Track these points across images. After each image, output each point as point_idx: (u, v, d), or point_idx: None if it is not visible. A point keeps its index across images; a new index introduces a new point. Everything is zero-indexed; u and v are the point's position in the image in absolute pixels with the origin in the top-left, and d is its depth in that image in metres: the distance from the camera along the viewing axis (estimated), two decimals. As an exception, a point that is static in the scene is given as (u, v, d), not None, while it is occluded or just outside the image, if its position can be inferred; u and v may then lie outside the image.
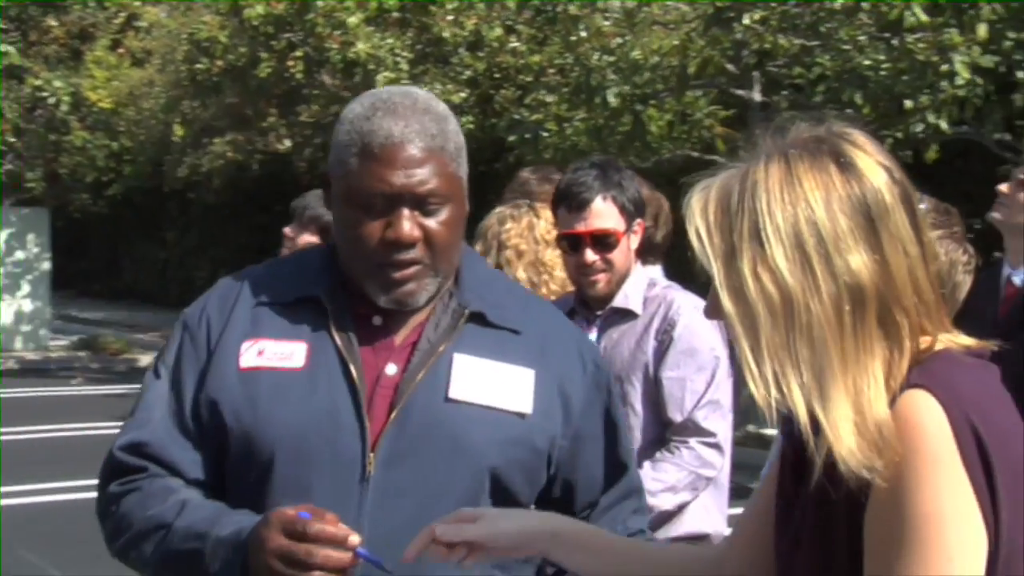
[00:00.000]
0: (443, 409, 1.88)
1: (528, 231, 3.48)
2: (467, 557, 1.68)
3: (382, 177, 1.83)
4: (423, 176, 1.85)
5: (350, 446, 1.84)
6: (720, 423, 3.07)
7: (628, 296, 3.17)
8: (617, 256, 3.12)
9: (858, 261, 1.37)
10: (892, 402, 1.38)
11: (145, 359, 16.86)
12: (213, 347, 1.92)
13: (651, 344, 3.11)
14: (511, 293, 2.07)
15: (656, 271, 3.55)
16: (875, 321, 1.38)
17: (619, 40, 10.34)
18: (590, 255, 3.12)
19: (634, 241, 3.17)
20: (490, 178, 15.60)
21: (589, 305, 3.21)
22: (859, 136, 1.47)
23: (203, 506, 1.85)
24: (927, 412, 1.35)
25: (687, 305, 3.13)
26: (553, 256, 3.55)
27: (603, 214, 3.11)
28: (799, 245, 1.38)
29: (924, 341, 1.43)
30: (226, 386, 1.88)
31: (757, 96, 11.23)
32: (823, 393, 1.37)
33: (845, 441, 1.35)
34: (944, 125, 8.40)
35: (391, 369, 1.89)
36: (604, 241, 3.11)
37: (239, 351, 1.90)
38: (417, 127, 1.86)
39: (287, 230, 4.22)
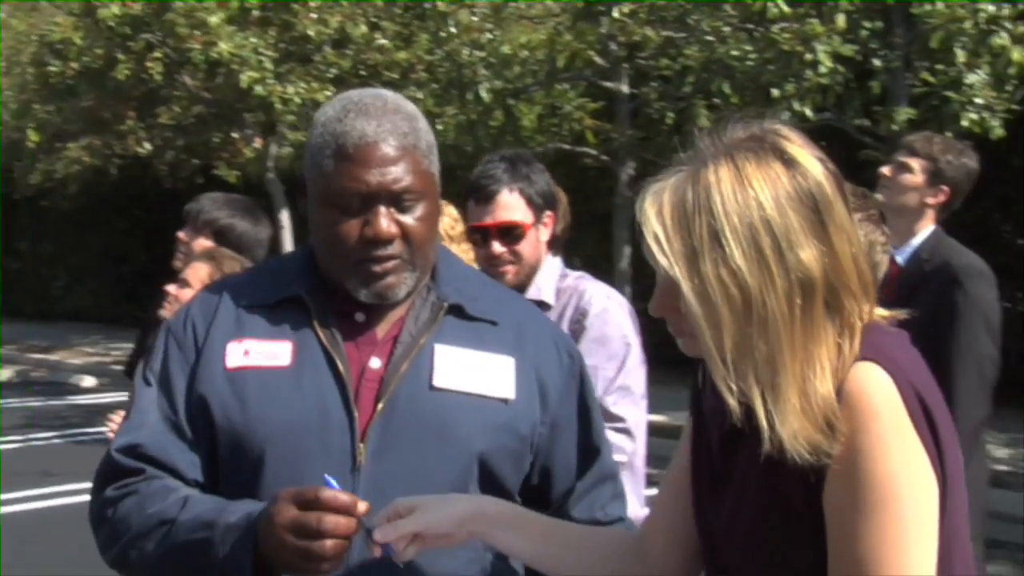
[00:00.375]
0: (428, 398, 1.93)
1: None
2: (407, 547, 1.73)
3: (358, 177, 1.89)
4: (398, 174, 1.90)
5: (340, 439, 1.89)
6: (630, 409, 3.11)
7: (541, 288, 3.20)
8: (525, 248, 3.16)
9: (808, 254, 1.44)
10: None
11: (6, 373, 16.26)
12: (200, 349, 1.96)
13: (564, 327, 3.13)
14: (486, 287, 2.15)
15: (556, 263, 3.59)
16: (823, 309, 1.46)
17: (488, 36, 10.36)
18: (497, 247, 3.16)
19: (544, 233, 3.20)
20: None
21: None
22: (791, 131, 1.54)
23: (207, 499, 1.88)
24: (877, 382, 1.44)
25: (599, 294, 3.17)
26: (458, 251, 3.57)
27: (510, 206, 3.15)
28: (755, 244, 1.44)
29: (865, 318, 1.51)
30: (214, 387, 1.93)
31: (625, 88, 11.41)
32: (773, 383, 1.44)
33: (789, 425, 1.43)
34: (809, 112, 8.66)
35: (375, 362, 1.95)
36: (511, 233, 3.14)
37: (224, 352, 1.95)
38: (389, 126, 1.91)
39: (181, 235, 4.14)
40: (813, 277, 1.44)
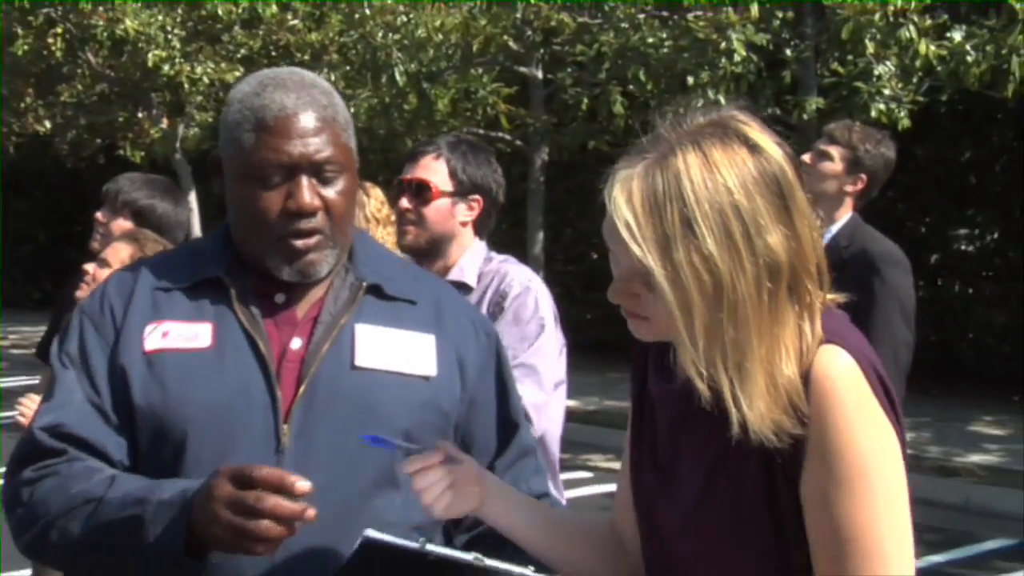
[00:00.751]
0: (351, 377, 1.93)
1: (359, 210, 3.45)
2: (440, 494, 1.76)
3: (278, 148, 1.88)
4: (319, 145, 1.90)
5: (263, 420, 1.88)
6: (531, 388, 3.07)
7: (463, 269, 3.23)
8: (431, 212, 3.21)
9: (775, 239, 1.46)
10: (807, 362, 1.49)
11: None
12: (119, 330, 1.93)
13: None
14: (403, 267, 2.17)
15: (482, 247, 3.57)
16: (786, 293, 1.48)
17: (403, 18, 10.25)
18: (404, 202, 3.24)
19: (463, 212, 3.25)
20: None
21: None
22: (750, 117, 1.55)
23: (135, 478, 1.84)
24: (843, 363, 1.48)
25: (520, 277, 3.19)
26: (384, 234, 3.54)
27: (429, 168, 3.24)
28: (726, 229, 1.45)
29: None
30: (133, 369, 1.90)
31: (539, 74, 11.39)
32: (740, 366, 1.46)
33: (756, 407, 1.45)
34: (723, 100, 8.72)
35: (296, 343, 1.95)
36: (419, 191, 3.21)
37: (143, 335, 1.92)
38: (308, 99, 1.92)
39: (99, 215, 4.05)
40: (780, 261, 1.45)
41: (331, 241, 1.95)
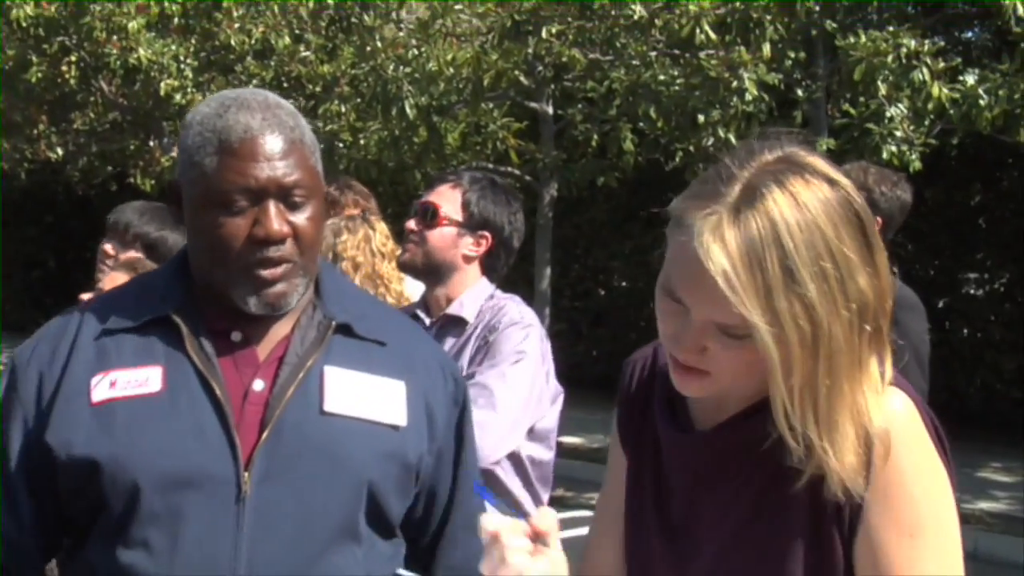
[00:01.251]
0: (318, 423, 1.82)
1: (364, 243, 3.44)
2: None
3: (244, 171, 1.77)
4: (287, 168, 1.79)
5: (221, 467, 1.76)
6: (477, 407, 2.91)
7: (463, 304, 3.20)
8: (434, 236, 3.18)
9: (863, 280, 1.39)
10: None
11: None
12: (50, 394, 1.80)
13: (470, 350, 3.11)
14: (372, 305, 2.04)
15: (487, 286, 3.53)
16: (870, 337, 1.42)
17: (415, 51, 10.27)
18: (412, 224, 3.23)
19: (468, 246, 3.21)
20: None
21: (427, 312, 3.26)
22: (810, 150, 1.48)
23: None
24: (907, 408, 1.43)
25: (514, 314, 3.14)
26: (389, 269, 3.50)
27: (443, 195, 3.22)
28: (823, 274, 1.37)
29: None
30: (78, 425, 1.78)
31: (550, 109, 11.39)
32: (830, 420, 1.39)
33: (847, 462, 1.39)
34: (733, 139, 8.71)
35: (258, 385, 1.83)
36: (426, 213, 3.20)
37: (89, 387, 1.80)
38: (273, 119, 1.81)
39: (108, 248, 3.98)
40: (868, 303, 1.39)
41: (301, 270, 1.84)
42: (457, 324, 3.19)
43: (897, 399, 1.43)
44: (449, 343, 3.15)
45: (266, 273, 1.80)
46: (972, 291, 13.46)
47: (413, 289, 4.13)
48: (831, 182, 1.41)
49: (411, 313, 3.19)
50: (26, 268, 21.57)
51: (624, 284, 14.89)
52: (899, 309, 3.96)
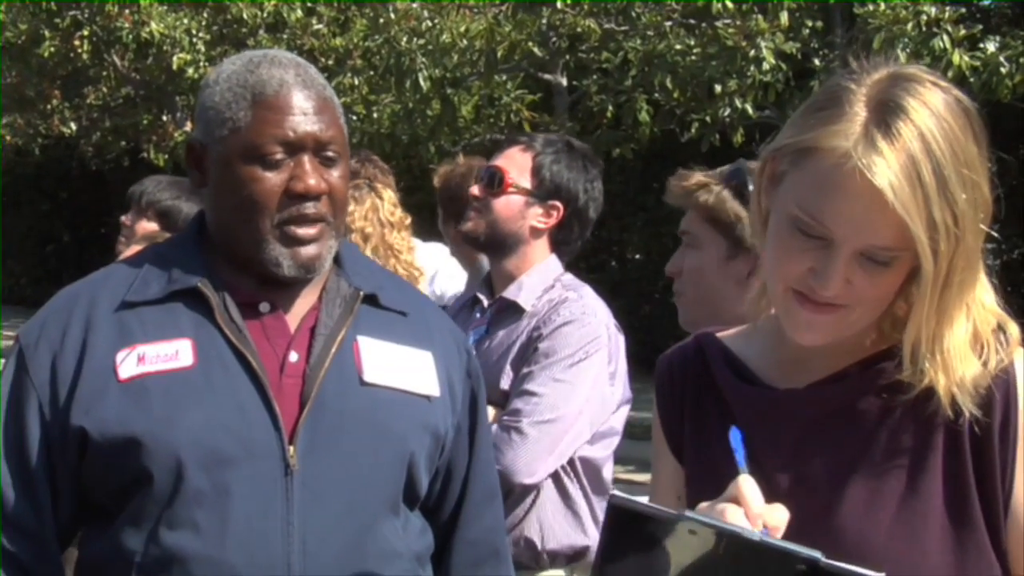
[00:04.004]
0: (360, 394, 1.80)
1: (372, 213, 3.35)
2: None
3: (281, 123, 1.74)
4: (322, 123, 1.76)
5: (265, 440, 1.73)
6: (523, 424, 2.66)
7: (522, 288, 2.83)
8: (500, 205, 2.84)
9: (985, 187, 1.38)
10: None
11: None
12: (70, 374, 1.74)
13: (518, 347, 2.78)
14: (387, 276, 2.03)
15: (553, 267, 3.43)
16: (977, 251, 1.40)
17: (428, 23, 10.21)
18: (476, 189, 2.91)
19: (537, 217, 2.85)
20: (292, 163, 15.24)
21: (490, 290, 2.94)
22: (908, 65, 1.46)
23: None
24: None
25: (574, 307, 2.76)
26: (399, 238, 3.42)
27: (511, 159, 2.89)
28: (965, 181, 1.35)
29: None
30: (107, 404, 1.72)
31: (564, 80, 11.32)
32: (938, 332, 1.37)
33: (968, 378, 1.37)
34: (750, 109, 8.64)
35: (294, 356, 1.79)
36: (493, 180, 2.87)
37: (115, 363, 1.73)
38: (306, 75, 1.79)
39: (125, 219, 4.00)
40: (988, 208, 1.38)
41: (333, 231, 1.80)
42: (513, 312, 2.83)
43: None
44: (499, 336, 2.82)
45: (301, 232, 1.76)
46: (989, 261, 13.34)
47: (426, 259, 4.07)
48: (943, 88, 1.38)
49: (471, 295, 2.99)
50: (41, 243, 21.61)
51: (638, 256, 14.82)
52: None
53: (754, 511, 1.26)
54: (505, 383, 2.74)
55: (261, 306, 1.81)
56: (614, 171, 13.71)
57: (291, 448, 1.74)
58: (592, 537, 2.77)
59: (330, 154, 1.78)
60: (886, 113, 1.35)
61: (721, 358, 1.54)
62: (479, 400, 2.00)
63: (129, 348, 1.75)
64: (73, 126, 17.10)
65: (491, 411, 2.66)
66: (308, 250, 1.77)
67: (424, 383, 1.86)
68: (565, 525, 2.77)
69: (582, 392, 2.70)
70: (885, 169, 1.32)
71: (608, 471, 2.86)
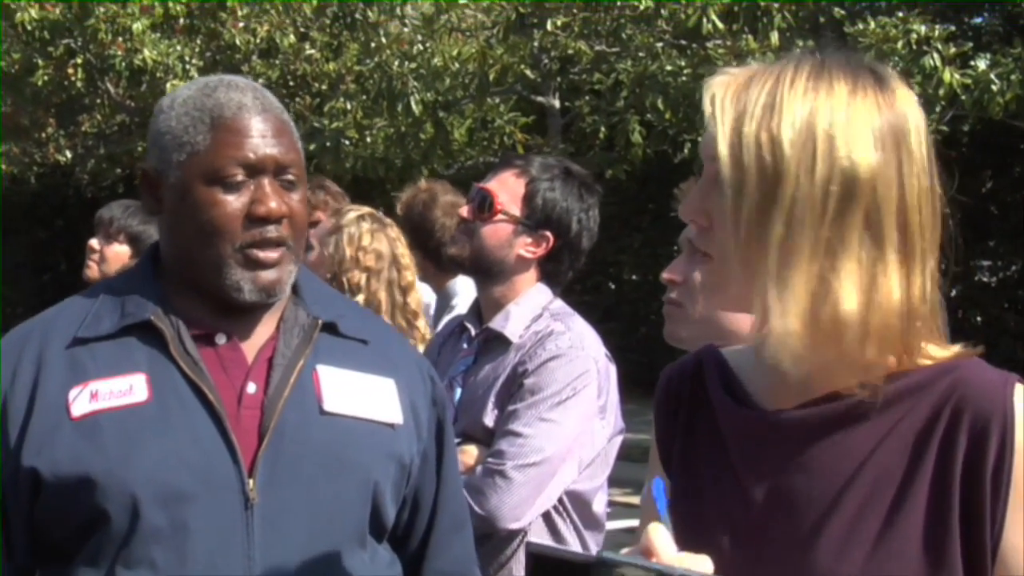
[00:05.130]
0: (321, 423, 1.76)
1: (387, 245, 3.32)
2: None
3: (241, 145, 1.72)
4: (282, 146, 1.75)
5: (224, 474, 1.68)
6: (506, 467, 2.58)
7: (509, 317, 2.73)
8: (487, 231, 2.73)
9: (863, 155, 1.31)
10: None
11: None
12: (21, 414, 1.69)
13: (501, 382, 2.68)
14: (347, 303, 1.99)
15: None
16: (861, 221, 1.32)
17: (420, 47, 10.23)
18: (465, 211, 2.81)
19: (524, 246, 2.74)
20: (286, 188, 15.27)
21: (478, 318, 2.84)
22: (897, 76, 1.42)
23: None
24: None
25: (561, 340, 2.66)
26: (409, 274, 3.38)
27: (504, 183, 2.76)
28: (808, 124, 1.31)
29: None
30: (60, 443, 1.67)
31: (556, 102, 11.34)
32: (783, 276, 1.31)
33: (788, 324, 1.31)
34: (742, 129, 8.65)
35: (251, 387, 1.75)
36: (482, 203, 2.74)
37: (67, 401, 1.69)
38: (263, 99, 1.78)
39: (93, 242, 3.99)
40: (858, 177, 1.31)
41: (293, 256, 1.77)
42: (500, 343, 2.72)
43: None
44: (486, 369, 2.72)
45: (263, 255, 1.73)
46: (985, 279, 13.37)
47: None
48: (881, 82, 1.35)
49: (458, 323, 2.90)
50: (36, 271, 21.58)
51: (634, 277, 14.83)
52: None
53: (664, 562, 1.23)
54: (489, 419, 2.65)
55: (217, 337, 1.77)
56: (608, 192, 13.65)
57: (251, 481, 1.69)
58: None
59: (290, 177, 1.76)
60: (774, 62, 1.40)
61: (717, 374, 1.51)
62: (445, 427, 1.96)
63: (81, 385, 1.70)
64: (68, 154, 17.14)
65: (474, 449, 2.64)
66: (269, 274, 1.74)
67: (387, 411, 1.82)
68: None
69: (569, 431, 2.61)
70: (716, 81, 1.37)
71: (600, 503, 2.77)
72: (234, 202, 1.72)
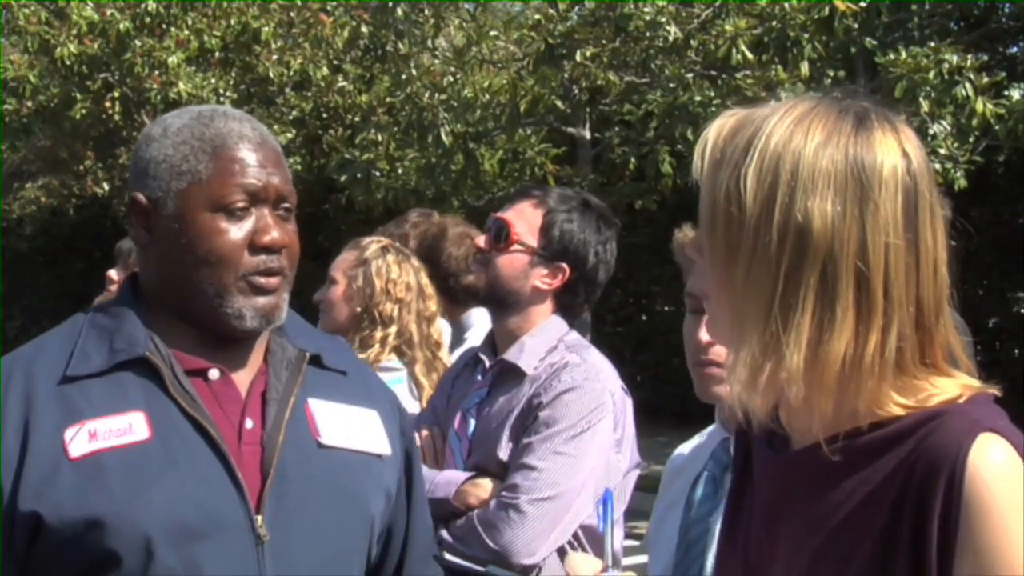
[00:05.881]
0: (320, 457, 1.75)
1: (412, 275, 3.32)
2: None
3: (245, 174, 1.72)
4: (281, 176, 1.76)
5: (232, 512, 1.67)
6: (520, 502, 2.55)
7: (523, 349, 2.70)
8: (503, 261, 2.72)
9: (820, 206, 1.28)
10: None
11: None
12: (15, 457, 1.65)
13: (516, 415, 2.65)
14: (323, 335, 2.00)
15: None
16: (817, 275, 1.29)
17: (450, 79, 10.27)
18: (481, 240, 2.80)
19: (542, 277, 2.72)
20: (320, 219, 15.35)
21: (493, 349, 2.81)
22: (897, 118, 1.37)
23: None
24: (1002, 456, 1.26)
25: (576, 373, 2.63)
26: (432, 304, 3.38)
27: (521, 213, 2.74)
28: (774, 169, 1.30)
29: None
30: (60, 485, 1.63)
31: (587, 133, 11.33)
32: (741, 327, 1.31)
33: (737, 377, 1.31)
34: (772, 160, 8.60)
35: (249, 423, 1.74)
36: (499, 233, 2.73)
37: (63, 442, 1.64)
38: (260, 130, 1.78)
39: (111, 273, 4.01)
40: (812, 231, 1.28)
41: (288, 284, 1.78)
42: (514, 375, 2.69)
43: (993, 446, 1.25)
44: (500, 401, 2.68)
45: (264, 281, 1.73)
46: (1023, 310, 13.17)
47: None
48: (861, 128, 1.33)
49: (472, 355, 2.87)
50: (75, 302, 21.77)
51: (666, 308, 14.74)
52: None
53: None
54: (503, 453, 2.63)
55: (211, 372, 1.75)
56: (640, 223, 13.70)
57: (259, 518, 1.68)
58: None
59: (287, 206, 1.77)
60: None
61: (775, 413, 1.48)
62: (414, 458, 1.96)
63: (78, 424, 1.66)
64: (106, 186, 17.32)
65: (488, 483, 2.63)
66: (269, 300, 1.74)
67: (376, 442, 1.83)
68: None
69: (585, 465, 2.57)
70: (712, 130, 1.38)
71: (616, 538, 2.76)
72: (238, 231, 1.72)
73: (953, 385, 1.33)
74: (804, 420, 1.35)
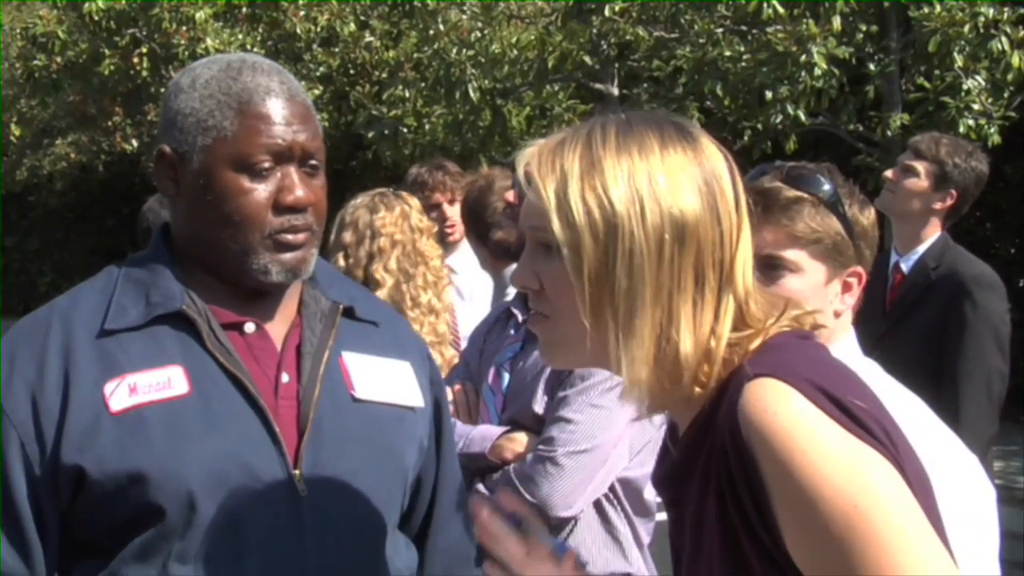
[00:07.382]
0: (354, 411, 1.76)
1: (402, 220, 3.31)
2: None
3: (271, 133, 1.69)
4: (308, 133, 1.73)
5: (271, 467, 1.67)
6: (557, 454, 2.56)
7: None
8: None
9: (688, 203, 1.35)
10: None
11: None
12: (55, 410, 1.65)
13: (547, 375, 2.64)
14: (355, 285, 1.99)
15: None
16: (691, 264, 1.35)
17: (478, 34, 10.19)
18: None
19: None
20: (347, 176, 15.35)
21: (525, 304, 2.77)
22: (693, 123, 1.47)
23: None
24: (772, 395, 1.29)
25: None
26: (428, 245, 3.36)
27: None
28: (632, 176, 1.34)
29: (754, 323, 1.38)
30: (102, 439, 1.63)
31: (615, 90, 11.24)
32: (630, 326, 1.34)
33: (635, 372, 1.34)
34: (803, 116, 8.50)
35: (285, 377, 1.74)
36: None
37: (103, 396, 1.65)
38: (289, 83, 1.74)
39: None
40: (687, 222, 1.35)
41: (316, 239, 1.76)
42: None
43: (760, 391, 1.28)
44: (534, 356, 2.67)
45: (290, 237, 1.72)
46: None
47: (460, 265, 4.00)
48: (684, 132, 1.39)
49: (504, 309, 2.86)
50: (106, 257, 21.91)
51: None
52: (977, 287, 3.79)
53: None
54: (538, 406, 2.63)
55: (246, 326, 1.75)
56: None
57: (296, 472, 1.69)
58: (634, 562, 2.65)
59: (314, 162, 1.74)
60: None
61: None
62: (443, 407, 1.96)
63: (118, 378, 1.66)
64: (135, 142, 17.38)
65: (524, 437, 2.62)
66: (295, 255, 1.73)
67: (409, 395, 1.83)
68: (605, 551, 2.64)
69: (621, 417, 2.56)
70: (531, 151, 1.39)
71: (651, 490, 2.71)
72: (262, 190, 1.70)
73: (749, 339, 1.37)
74: (675, 413, 1.43)
